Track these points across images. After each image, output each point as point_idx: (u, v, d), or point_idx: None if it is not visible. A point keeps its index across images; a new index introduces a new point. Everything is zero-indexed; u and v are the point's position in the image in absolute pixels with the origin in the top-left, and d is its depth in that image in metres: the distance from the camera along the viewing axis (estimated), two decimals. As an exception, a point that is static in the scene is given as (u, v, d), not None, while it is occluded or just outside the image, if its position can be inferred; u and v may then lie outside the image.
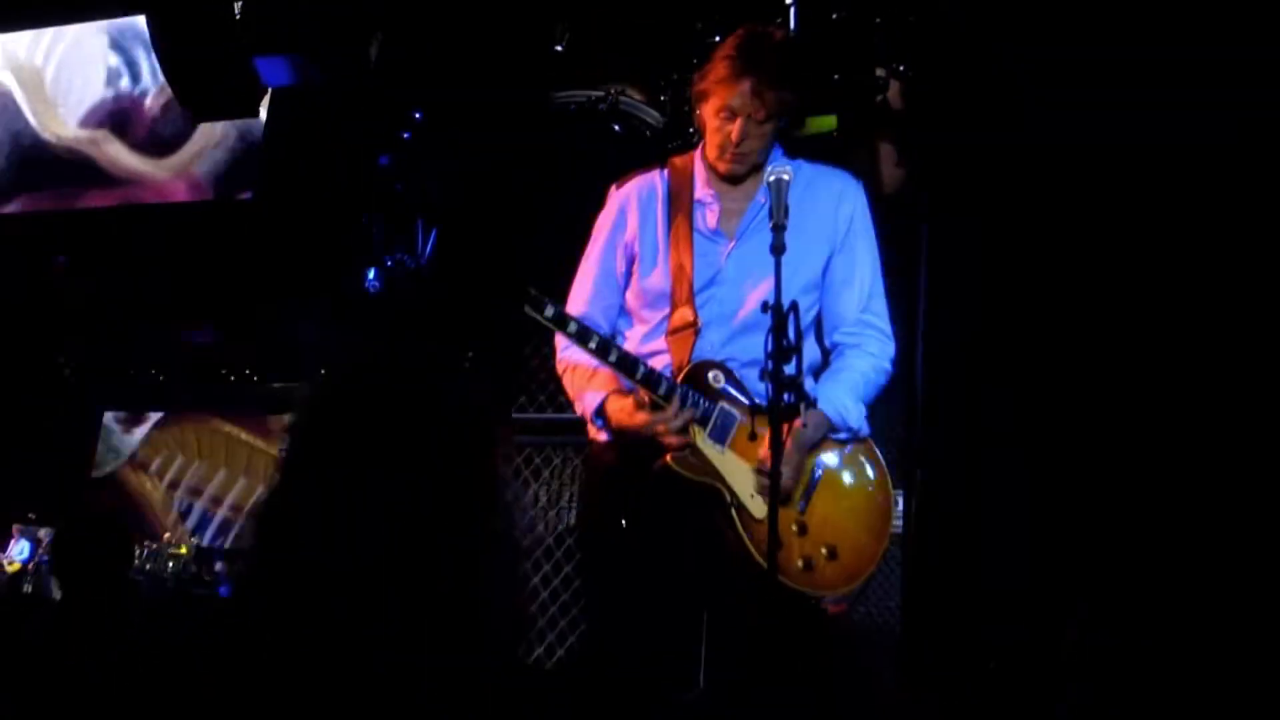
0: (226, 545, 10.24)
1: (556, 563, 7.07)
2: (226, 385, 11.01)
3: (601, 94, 6.28)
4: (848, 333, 3.41)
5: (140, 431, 11.26)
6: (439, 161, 8.43)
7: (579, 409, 3.35)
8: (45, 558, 9.36)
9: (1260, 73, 5.29)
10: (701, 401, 3.10)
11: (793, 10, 6.09)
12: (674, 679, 3.20)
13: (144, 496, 11.06)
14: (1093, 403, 5.63)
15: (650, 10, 7.13)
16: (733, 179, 3.36)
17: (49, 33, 9.34)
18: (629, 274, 3.44)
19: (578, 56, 7.80)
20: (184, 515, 10.90)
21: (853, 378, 3.32)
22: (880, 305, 3.49)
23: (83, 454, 10.92)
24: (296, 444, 1.05)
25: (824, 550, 3.06)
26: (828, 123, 6.26)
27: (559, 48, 7.06)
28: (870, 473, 3.29)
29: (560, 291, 3.46)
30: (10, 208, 9.75)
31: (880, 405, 3.98)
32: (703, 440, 3.08)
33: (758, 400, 3.11)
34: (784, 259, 2.79)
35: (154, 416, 11.19)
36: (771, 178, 2.90)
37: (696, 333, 3.22)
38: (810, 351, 3.34)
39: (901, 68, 6.23)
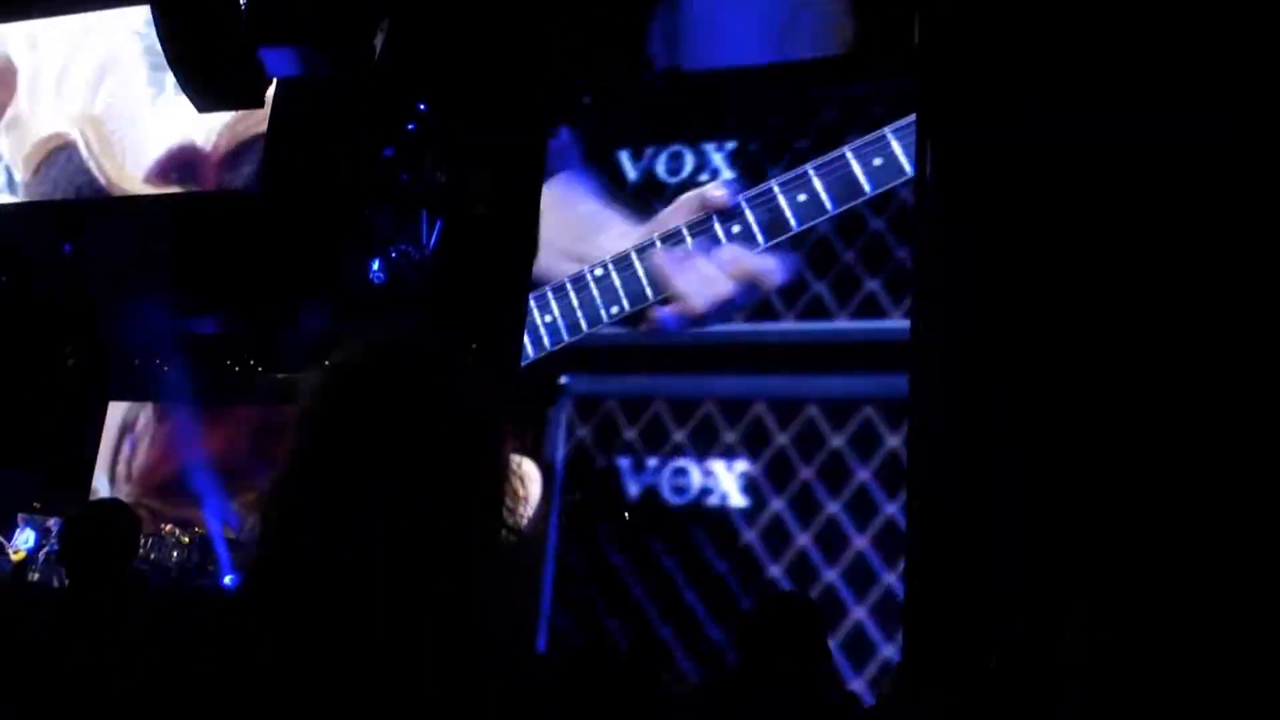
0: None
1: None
2: (231, 376, 10.99)
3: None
4: None
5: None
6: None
7: None
8: (52, 546, 9.43)
9: (1260, 73, 5.29)
10: None
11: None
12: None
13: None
14: (1092, 402, 5.63)
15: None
16: None
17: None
18: None
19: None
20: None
21: None
22: None
23: (88, 444, 10.92)
24: (297, 441, 1.06)
25: None
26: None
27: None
28: None
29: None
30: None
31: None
32: None
33: None
34: None
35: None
36: None
37: None
38: None
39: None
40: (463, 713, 0.96)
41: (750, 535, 6.67)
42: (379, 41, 7.14)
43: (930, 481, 5.97)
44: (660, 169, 7.58)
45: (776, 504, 6.66)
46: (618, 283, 7.21)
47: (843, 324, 6.74)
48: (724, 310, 6.91)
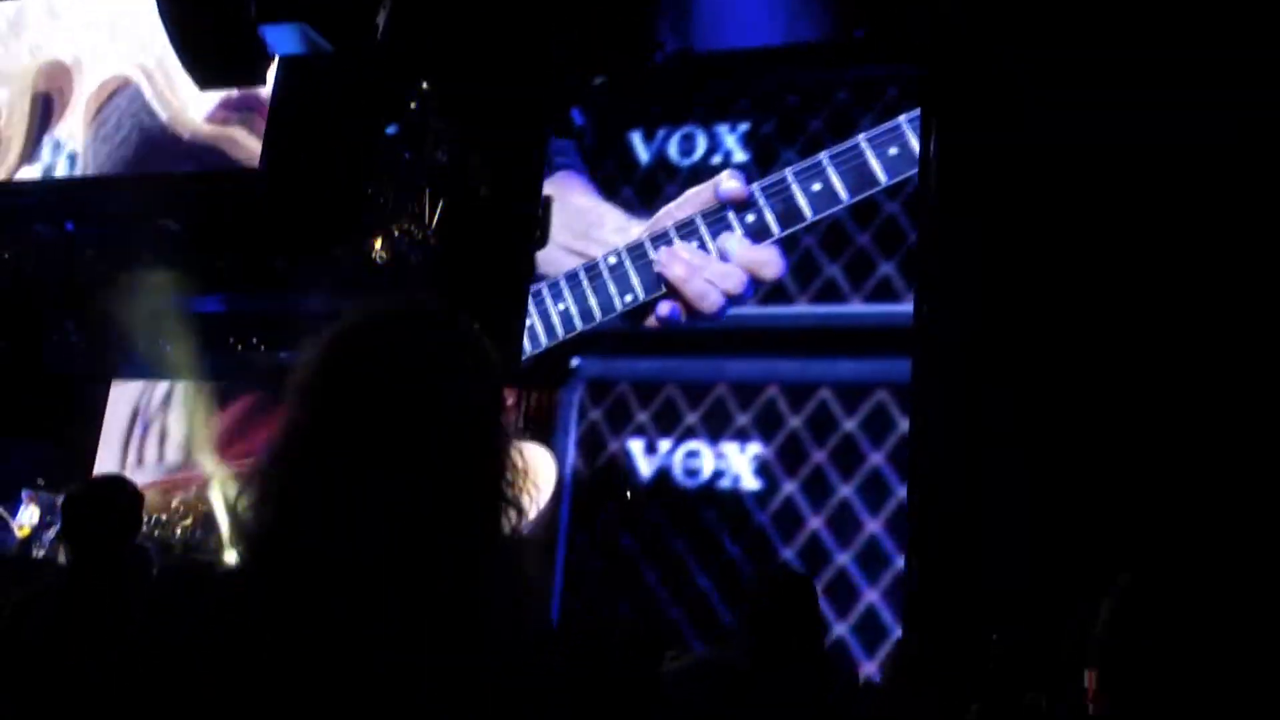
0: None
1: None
2: (234, 355, 10.97)
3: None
4: None
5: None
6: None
7: None
8: (58, 522, 9.40)
9: (1260, 73, 5.30)
10: None
11: None
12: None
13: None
14: (1092, 402, 5.67)
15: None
16: None
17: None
18: None
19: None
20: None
21: None
22: None
23: (91, 422, 10.90)
24: (296, 418, 1.05)
25: None
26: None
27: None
28: None
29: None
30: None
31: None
32: None
33: None
34: None
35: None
36: None
37: None
38: None
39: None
40: (462, 713, 0.96)
41: (762, 518, 6.69)
42: (381, 19, 7.10)
43: (930, 481, 6.03)
44: (672, 151, 7.55)
45: (789, 487, 6.67)
46: (632, 271, 7.18)
47: (856, 307, 6.74)
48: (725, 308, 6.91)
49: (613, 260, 7.27)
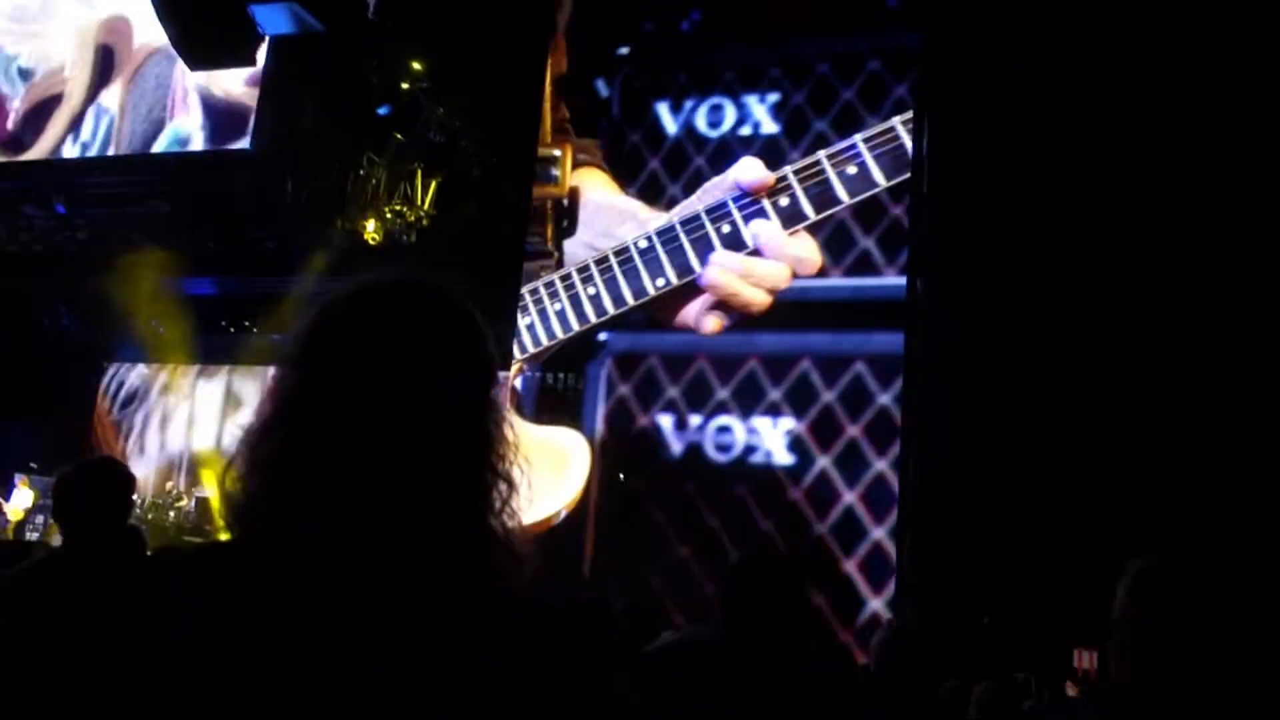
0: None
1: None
2: (226, 336, 10.89)
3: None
4: None
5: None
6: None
7: None
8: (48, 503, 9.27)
9: (1260, 73, 5.34)
10: None
11: None
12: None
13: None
14: (1092, 402, 5.71)
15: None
16: None
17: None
18: None
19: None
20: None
21: None
22: None
23: (84, 405, 10.76)
24: (289, 391, 1.01)
25: None
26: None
27: None
28: None
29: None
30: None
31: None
32: None
33: None
34: None
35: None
36: None
37: None
38: None
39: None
40: (462, 713, 0.94)
41: (796, 493, 6.63)
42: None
43: (930, 481, 6.05)
44: (700, 122, 7.45)
45: (822, 461, 6.61)
46: (663, 255, 7.06)
47: (890, 279, 6.69)
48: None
49: (643, 244, 7.14)
